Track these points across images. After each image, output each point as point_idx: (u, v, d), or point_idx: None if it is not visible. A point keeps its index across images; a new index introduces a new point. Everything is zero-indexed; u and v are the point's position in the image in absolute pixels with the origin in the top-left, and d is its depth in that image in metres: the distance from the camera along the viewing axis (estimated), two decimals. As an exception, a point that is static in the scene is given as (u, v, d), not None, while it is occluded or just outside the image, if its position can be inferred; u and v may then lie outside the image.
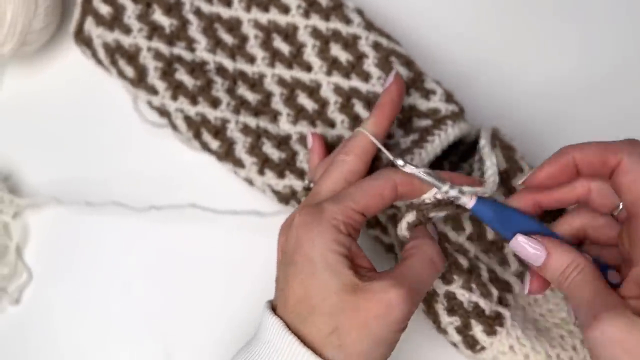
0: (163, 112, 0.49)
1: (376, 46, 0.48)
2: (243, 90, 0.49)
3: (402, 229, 0.41)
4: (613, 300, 0.34)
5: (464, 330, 0.43)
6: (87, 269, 0.50)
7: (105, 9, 0.50)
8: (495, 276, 0.45)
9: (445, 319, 0.43)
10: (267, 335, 0.38)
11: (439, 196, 0.40)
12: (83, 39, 0.51)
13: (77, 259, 0.51)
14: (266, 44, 0.49)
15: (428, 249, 0.40)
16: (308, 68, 0.49)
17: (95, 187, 0.51)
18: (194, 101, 0.48)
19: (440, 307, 0.43)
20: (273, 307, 0.39)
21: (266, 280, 0.42)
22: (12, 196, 0.50)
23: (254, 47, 0.49)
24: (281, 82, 0.49)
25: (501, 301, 0.43)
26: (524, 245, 0.38)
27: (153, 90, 0.49)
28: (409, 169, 0.40)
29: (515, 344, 0.42)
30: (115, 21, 0.50)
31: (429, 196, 0.41)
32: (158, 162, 0.52)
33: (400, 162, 0.39)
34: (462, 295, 0.43)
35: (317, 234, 0.38)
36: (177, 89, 0.49)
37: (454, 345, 0.44)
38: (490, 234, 0.46)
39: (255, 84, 0.49)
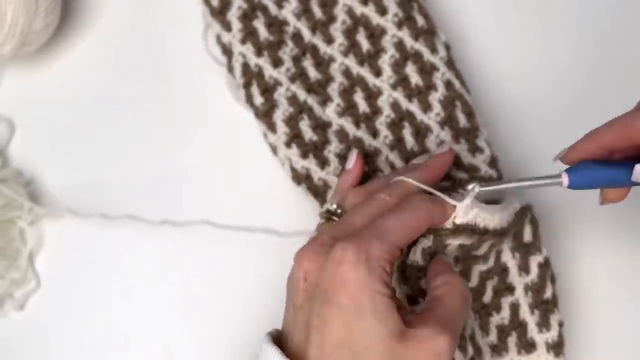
0: (227, 50, 0.49)
1: (448, 85, 0.47)
2: (308, 64, 0.49)
3: (417, 254, 0.41)
4: None
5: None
6: (95, 281, 0.50)
7: None
8: (473, 339, 0.44)
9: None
10: None
11: (457, 221, 0.40)
12: None
13: (86, 271, 0.50)
14: (349, 33, 0.49)
15: (458, 284, 0.39)
16: (377, 73, 0.48)
17: (109, 197, 0.51)
18: (258, 52, 0.48)
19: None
20: (279, 341, 0.38)
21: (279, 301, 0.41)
22: (32, 204, 0.50)
23: (337, 30, 0.49)
24: (346, 73, 0.48)
25: None
26: None
27: (227, 27, 0.49)
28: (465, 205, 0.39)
29: None
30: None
31: (448, 221, 0.40)
32: (173, 173, 0.52)
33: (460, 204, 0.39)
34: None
35: (365, 274, 0.35)
36: (249, 34, 0.48)
37: None
38: (486, 297, 0.44)
39: (321, 63, 0.49)
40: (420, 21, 0.48)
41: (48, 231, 0.51)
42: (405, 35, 0.48)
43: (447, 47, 0.49)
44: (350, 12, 0.49)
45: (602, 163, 0.38)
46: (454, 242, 0.40)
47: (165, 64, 0.55)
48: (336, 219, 0.43)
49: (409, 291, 0.41)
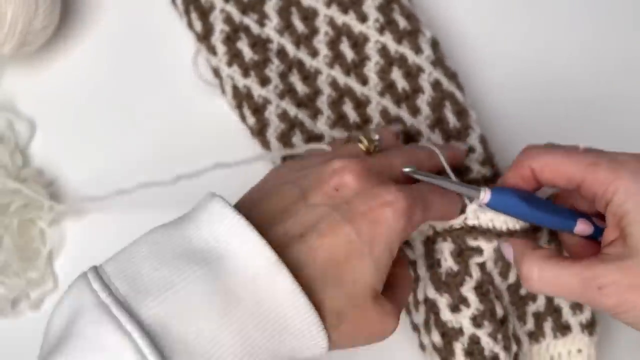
0: (217, 74, 0.50)
1: (435, 85, 0.48)
2: (295, 79, 0.49)
3: (447, 259, 0.42)
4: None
5: None
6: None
7: None
8: (514, 331, 0.45)
9: (459, 359, 0.43)
10: (255, 264, 0.33)
11: (469, 222, 0.41)
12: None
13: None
14: (333, 44, 0.49)
15: (410, 283, 0.42)
16: (364, 81, 0.49)
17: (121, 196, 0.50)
18: (245, 73, 0.49)
19: (459, 347, 0.42)
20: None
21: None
22: (52, 202, 0.50)
23: (321, 42, 0.49)
24: (334, 84, 0.49)
25: (516, 358, 0.43)
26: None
27: (213, 51, 0.49)
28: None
29: None
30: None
31: (458, 222, 0.41)
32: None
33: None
34: (487, 343, 0.42)
35: (398, 231, 0.36)
36: (235, 57, 0.49)
37: None
38: (523, 290, 0.45)
39: (308, 77, 0.49)
40: (402, 23, 0.49)
41: (69, 232, 0.51)
42: (388, 40, 0.49)
43: (434, 44, 0.49)
44: (331, 22, 0.49)
45: (532, 198, 0.40)
46: (475, 243, 0.42)
47: (164, 62, 0.55)
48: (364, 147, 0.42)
49: (450, 300, 0.42)
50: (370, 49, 0.49)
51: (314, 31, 0.50)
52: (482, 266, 0.42)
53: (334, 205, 0.36)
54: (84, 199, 0.50)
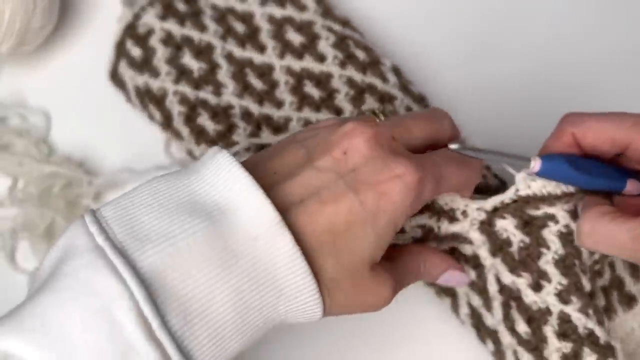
0: (191, 154, 0.50)
1: (408, 111, 0.47)
2: (266, 134, 0.49)
3: (516, 234, 0.40)
4: None
5: (571, 359, 0.40)
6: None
7: (136, 52, 0.50)
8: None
9: (554, 343, 0.40)
10: (257, 229, 0.33)
11: (522, 193, 0.39)
12: (118, 81, 0.51)
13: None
14: (296, 89, 0.48)
15: (425, 266, 0.40)
16: (338, 112, 0.47)
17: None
18: (196, 86, 0.49)
19: (550, 330, 0.40)
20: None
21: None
22: (91, 177, 0.51)
23: (283, 92, 0.48)
24: (306, 122, 0.48)
25: (609, 332, 0.41)
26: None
27: (179, 135, 0.49)
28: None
29: None
30: (145, 64, 0.50)
31: (509, 195, 0.40)
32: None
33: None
34: (579, 319, 0.40)
35: (406, 205, 0.35)
36: (200, 134, 0.49)
37: None
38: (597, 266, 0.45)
39: (279, 128, 0.49)
40: (361, 55, 0.47)
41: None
42: (352, 72, 0.47)
43: (397, 72, 0.47)
44: (289, 71, 0.48)
45: (581, 161, 0.39)
46: (545, 211, 0.40)
47: None
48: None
49: (529, 278, 0.41)
50: (337, 83, 0.47)
51: (273, 85, 0.48)
52: (560, 236, 0.40)
53: (339, 172, 0.35)
54: (122, 170, 0.51)
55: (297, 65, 0.48)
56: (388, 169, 0.34)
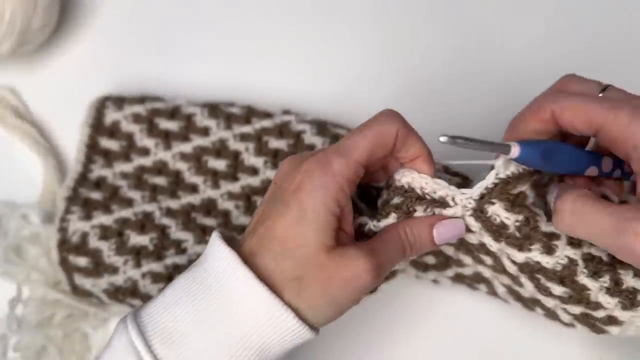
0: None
1: None
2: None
3: (511, 221, 0.40)
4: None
5: (616, 288, 0.40)
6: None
7: (83, 261, 0.50)
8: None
9: (594, 285, 0.41)
10: (219, 264, 0.39)
11: (501, 176, 0.40)
12: (83, 293, 0.51)
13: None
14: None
15: (407, 234, 0.41)
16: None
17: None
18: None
19: (583, 277, 0.41)
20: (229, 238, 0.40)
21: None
22: (97, 309, 0.51)
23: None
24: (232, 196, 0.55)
25: None
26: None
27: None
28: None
29: None
30: (99, 266, 0.50)
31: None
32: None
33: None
34: (597, 251, 0.41)
35: (319, 187, 0.38)
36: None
37: (605, 324, 0.43)
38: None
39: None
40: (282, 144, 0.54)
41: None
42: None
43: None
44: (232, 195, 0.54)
45: (554, 147, 0.39)
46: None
47: (163, 61, 0.58)
48: None
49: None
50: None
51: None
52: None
53: (272, 196, 0.41)
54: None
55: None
56: (297, 170, 0.39)
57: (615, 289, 0.40)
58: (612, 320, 0.43)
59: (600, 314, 0.42)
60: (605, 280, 0.40)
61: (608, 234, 0.35)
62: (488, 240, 0.42)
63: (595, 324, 0.44)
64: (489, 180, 0.40)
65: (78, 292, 0.51)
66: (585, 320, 0.44)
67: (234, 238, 0.44)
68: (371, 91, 0.59)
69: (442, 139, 0.36)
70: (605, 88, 0.39)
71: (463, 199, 0.41)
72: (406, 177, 0.41)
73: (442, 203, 0.41)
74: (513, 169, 0.40)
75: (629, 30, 0.59)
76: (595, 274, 0.40)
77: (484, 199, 0.41)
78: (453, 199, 0.41)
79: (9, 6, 0.49)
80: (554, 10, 0.60)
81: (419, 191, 0.41)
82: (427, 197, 0.41)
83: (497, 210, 0.40)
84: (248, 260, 0.39)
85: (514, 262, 0.43)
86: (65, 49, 0.58)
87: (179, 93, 0.58)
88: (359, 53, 0.60)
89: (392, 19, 0.61)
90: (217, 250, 0.39)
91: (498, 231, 0.41)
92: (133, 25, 0.59)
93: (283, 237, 0.38)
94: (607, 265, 0.41)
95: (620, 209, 0.35)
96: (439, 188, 0.41)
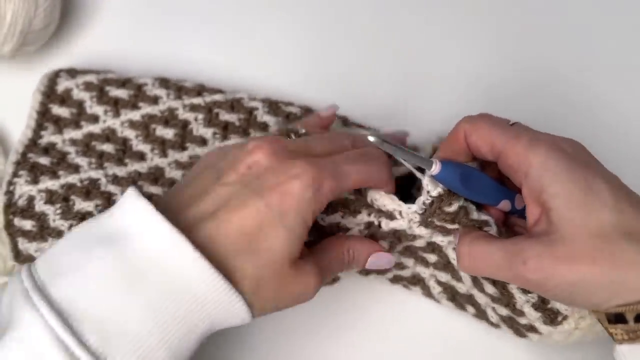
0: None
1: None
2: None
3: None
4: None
5: (541, 305, 0.42)
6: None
7: (28, 224, 0.50)
8: None
9: (521, 297, 0.43)
10: (152, 239, 0.37)
11: (433, 193, 0.42)
12: (25, 259, 0.51)
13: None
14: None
15: (349, 254, 0.44)
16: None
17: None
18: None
19: (514, 287, 0.43)
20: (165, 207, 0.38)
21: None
22: None
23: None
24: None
25: None
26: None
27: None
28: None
29: None
30: (42, 230, 0.50)
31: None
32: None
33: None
34: None
35: (308, 200, 0.38)
36: None
37: (527, 330, 0.45)
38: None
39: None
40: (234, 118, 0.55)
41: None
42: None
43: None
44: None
45: (473, 175, 0.42)
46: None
47: (164, 62, 0.58)
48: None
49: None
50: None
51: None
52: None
53: (245, 183, 0.39)
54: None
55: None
56: (287, 171, 0.38)
57: (540, 305, 0.42)
58: (533, 329, 0.45)
59: (523, 321, 0.45)
60: (534, 296, 0.42)
61: (502, 268, 0.38)
62: (438, 238, 0.44)
63: (518, 329, 0.46)
64: (423, 197, 0.42)
65: (20, 258, 0.51)
66: (510, 323, 0.46)
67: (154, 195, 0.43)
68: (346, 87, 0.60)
69: (371, 138, 0.37)
70: (513, 124, 0.41)
71: (409, 213, 0.43)
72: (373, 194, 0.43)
73: (390, 216, 0.43)
74: (442, 187, 0.41)
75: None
76: (525, 290, 0.42)
77: (426, 213, 0.42)
78: (400, 213, 0.43)
79: (10, 7, 0.50)
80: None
81: (368, 200, 0.43)
82: (377, 207, 0.43)
83: (444, 224, 0.42)
84: (201, 240, 0.37)
85: None
86: (67, 49, 0.59)
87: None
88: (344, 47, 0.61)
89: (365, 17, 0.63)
90: (158, 226, 0.37)
91: (448, 232, 0.43)
92: (133, 25, 0.60)
93: (254, 235, 0.38)
94: None
95: (508, 243, 0.38)
96: (389, 203, 0.43)
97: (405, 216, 0.43)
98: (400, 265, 0.50)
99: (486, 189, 0.42)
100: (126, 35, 0.60)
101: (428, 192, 0.41)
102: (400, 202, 0.43)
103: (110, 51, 0.59)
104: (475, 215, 0.42)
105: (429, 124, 0.53)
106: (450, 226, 0.42)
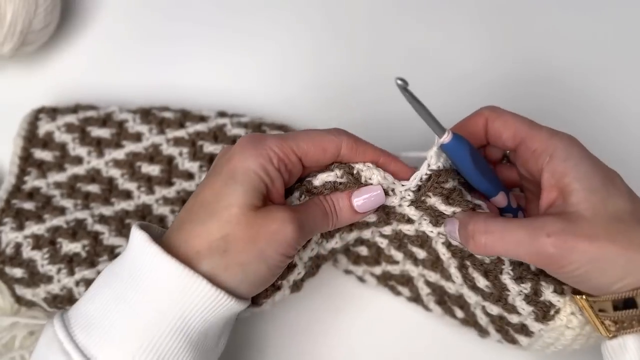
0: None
1: None
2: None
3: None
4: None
5: (534, 297, 0.42)
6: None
7: (19, 272, 0.50)
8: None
9: (514, 288, 0.43)
10: (132, 248, 0.40)
11: (433, 167, 0.42)
12: (26, 303, 0.51)
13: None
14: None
15: (328, 202, 0.43)
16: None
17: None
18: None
19: (507, 278, 0.43)
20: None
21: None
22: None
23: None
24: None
25: None
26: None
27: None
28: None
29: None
30: (34, 276, 0.50)
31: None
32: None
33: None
34: None
35: (250, 155, 0.40)
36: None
37: (516, 332, 0.45)
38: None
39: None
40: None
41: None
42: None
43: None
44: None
45: (478, 158, 0.42)
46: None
47: (164, 62, 0.59)
48: None
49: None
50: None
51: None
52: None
53: (206, 175, 0.43)
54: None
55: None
56: (230, 147, 0.42)
57: (533, 297, 0.42)
58: (523, 329, 0.44)
59: (514, 319, 0.45)
60: (526, 287, 0.42)
61: (522, 243, 0.38)
62: (427, 227, 0.44)
63: (508, 331, 0.46)
64: (423, 170, 0.42)
65: (22, 302, 0.51)
66: (500, 324, 0.46)
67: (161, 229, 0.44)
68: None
69: (399, 81, 0.36)
70: None
71: (402, 191, 0.43)
72: (359, 165, 0.43)
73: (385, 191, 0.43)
74: (443, 161, 0.42)
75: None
76: (518, 279, 0.43)
77: (421, 191, 0.42)
78: (392, 190, 0.43)
79: (10, 7, 0.50)
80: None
81: (362, 180, 0.43)
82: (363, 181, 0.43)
83: (435, 203, 0.43)
84: (171, 237, 0.40)
85: (448, 246, 0.45)
86: (66, 49, 0.59)
87: (179, 93, 0.59)
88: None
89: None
90: (132, 236, 0.40)
91: (437, 217, 0.44)
92: (133, 26, 0.60)
93: (210, 202, 0.40)
94: (532, 274, 0.43)
95: (528, 220, 0.39)
96: (382, 181, 0.42)
97: (397, 194, 0.43)
98: (390, 259, 0.49)
99: (489, 174, 0.43)
100: (126, 36, 0.60)
101: (429, 165, 0.42)
102: (395, 181, 0.43)
103: (109, 51, 0.59)
104: (469, 197, 0.43)
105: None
106: (442, 207, 0.43)
